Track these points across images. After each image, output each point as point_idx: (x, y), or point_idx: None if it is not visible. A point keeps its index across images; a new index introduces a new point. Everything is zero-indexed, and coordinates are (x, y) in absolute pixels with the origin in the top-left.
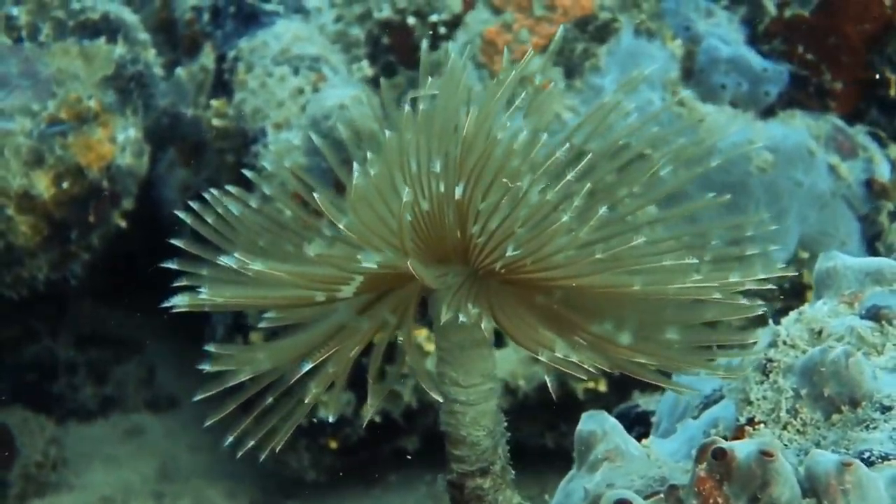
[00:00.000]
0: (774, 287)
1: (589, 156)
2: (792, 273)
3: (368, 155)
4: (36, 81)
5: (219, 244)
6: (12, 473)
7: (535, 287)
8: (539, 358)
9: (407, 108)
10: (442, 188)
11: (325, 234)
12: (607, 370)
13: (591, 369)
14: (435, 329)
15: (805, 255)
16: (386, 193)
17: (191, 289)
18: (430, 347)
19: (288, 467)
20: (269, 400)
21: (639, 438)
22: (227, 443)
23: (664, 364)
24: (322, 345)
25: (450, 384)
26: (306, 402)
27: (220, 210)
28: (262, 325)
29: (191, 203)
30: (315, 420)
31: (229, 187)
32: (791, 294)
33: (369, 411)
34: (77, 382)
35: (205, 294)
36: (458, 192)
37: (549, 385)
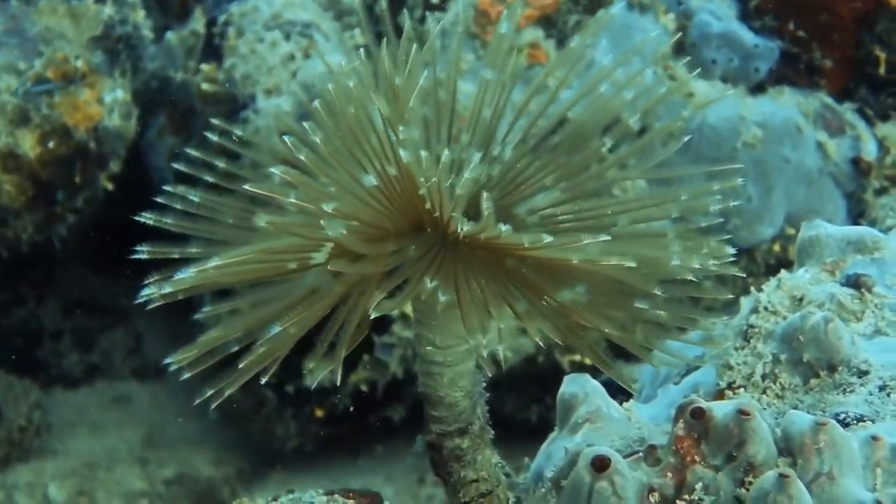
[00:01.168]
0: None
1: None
2: (740, 274)
3: (309, 125)
4: (22, 39)
5: (187, 232)
6: None
7: (504, 252)
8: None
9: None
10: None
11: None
12: (559, 342)
13: (539, 341)
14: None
15: (792, 231)
16: (347, 161)
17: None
18: None
19: (274, 436)
20: (234, 349)
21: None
22: (181, 378)
23: (623, 339)
24: (294, 307)
25: (426, 346)
26: (246, 363)
27: (180, 205)
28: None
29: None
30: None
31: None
32: (778, 270)
33: (315, 375)
34: (62, 349)
35: (171, 286)
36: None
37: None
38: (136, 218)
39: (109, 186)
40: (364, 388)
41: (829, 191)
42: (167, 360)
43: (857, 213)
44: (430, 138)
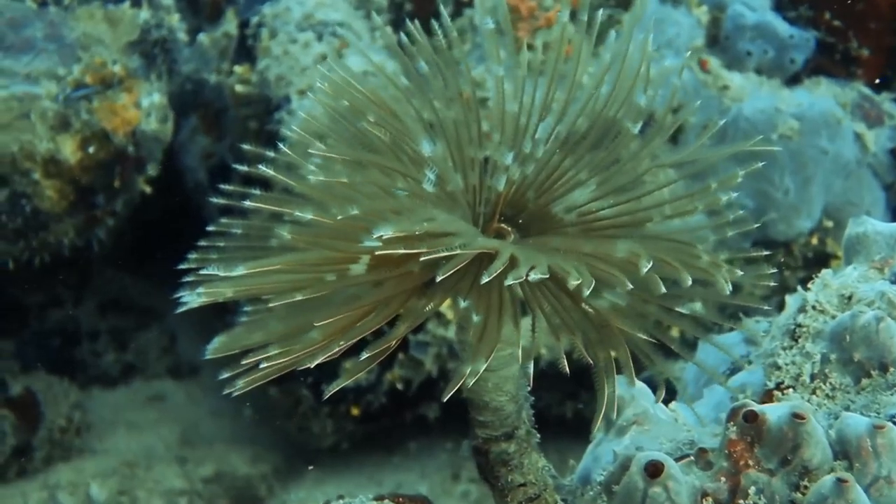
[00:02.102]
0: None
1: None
2: (770, 272)
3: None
4: (61, 45)
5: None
6: (38, 437)
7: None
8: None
9: None
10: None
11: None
12: (590, 359)
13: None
14: (452, 296)
15: (829, 223)
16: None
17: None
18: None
19: (310, 434)
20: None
21: (665, 405)
22: (217, 376)
23: (650, 359)
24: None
25: None
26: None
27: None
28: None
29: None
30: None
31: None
32: (815, 263)
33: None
34: (99, 349)
35: (204, 294)
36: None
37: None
38: (180, 266)
39: (147, 189)
40: (399, 385)
41: (867, 182)
42: (206, 353)
43: None
44: (460, 140)
